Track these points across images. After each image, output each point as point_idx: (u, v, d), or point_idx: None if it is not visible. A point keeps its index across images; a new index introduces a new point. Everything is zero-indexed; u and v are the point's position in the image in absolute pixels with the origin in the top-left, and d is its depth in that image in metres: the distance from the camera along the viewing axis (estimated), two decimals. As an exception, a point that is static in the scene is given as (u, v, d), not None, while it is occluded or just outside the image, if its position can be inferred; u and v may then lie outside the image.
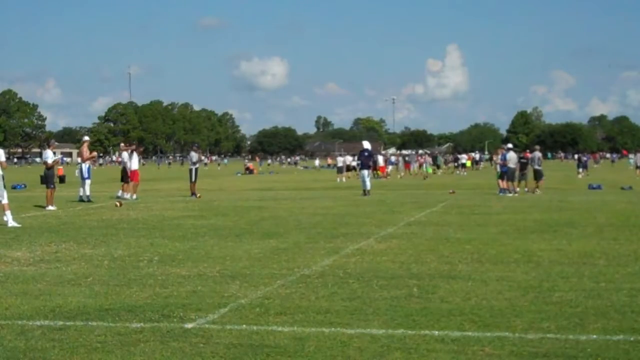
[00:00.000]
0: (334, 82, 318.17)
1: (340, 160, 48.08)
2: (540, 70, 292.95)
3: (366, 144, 27.72)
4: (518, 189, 26.08)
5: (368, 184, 25.89)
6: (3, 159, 15.70)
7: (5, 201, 15.53)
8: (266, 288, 8.13)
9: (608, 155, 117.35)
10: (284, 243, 12.10)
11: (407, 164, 55.34)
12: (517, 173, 26.33)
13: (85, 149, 25.02)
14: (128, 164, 24.91)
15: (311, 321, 6.57)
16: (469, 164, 64.55)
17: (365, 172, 26.28)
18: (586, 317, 6.60)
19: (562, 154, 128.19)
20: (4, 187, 15.58)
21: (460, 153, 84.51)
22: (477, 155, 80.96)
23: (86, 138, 26.85)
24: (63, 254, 11.11)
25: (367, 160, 26.91)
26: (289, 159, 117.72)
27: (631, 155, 69.89)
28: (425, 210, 18.76)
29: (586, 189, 29.21)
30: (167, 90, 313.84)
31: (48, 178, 20.79)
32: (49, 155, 21.17)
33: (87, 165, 24.18)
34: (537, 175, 27.17)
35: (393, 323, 6.46)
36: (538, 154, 28.18)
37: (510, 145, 27.97)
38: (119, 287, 8.34)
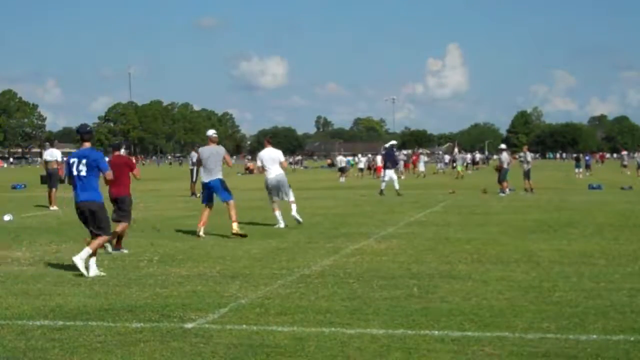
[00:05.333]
0: (334, 82, 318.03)
1: (343, 161, 48.31)
2: (540, 70, 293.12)
3: (391, 143, 27.94)
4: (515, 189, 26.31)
5: (384, 185, 25.84)
6: (283, 159, 14.98)
7: (292, 198, 14.94)
8: (266, 288, 8.14)
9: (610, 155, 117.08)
10: (284, 243, 12.10)
11: (406, 164, 55.21)
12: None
13: None
14: None
15: (311, 321, 6.58)
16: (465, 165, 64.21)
17: (389, 171, 26.24)
18: (586, 317, 6.60)
19: (565, 154, 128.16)
20: (290, 187, 15.01)
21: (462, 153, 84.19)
22: (476, 156, 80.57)
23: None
24: (63, 254, 11.11)
25: (392, 159, 27.15)
26: (290, 159, 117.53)
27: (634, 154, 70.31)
28: (425, 210, 18.75)
29: (586, 189, 29.21)
30: (167, 90, 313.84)
31: (54, 178, 20.61)
32: (58, 154, 21.14)
33: None
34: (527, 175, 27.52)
35: (393, 323, 6.46)
36: (529, 153, 28.88)
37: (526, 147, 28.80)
38: (119, 287, 8.34)
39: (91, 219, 9.32)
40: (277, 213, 14.74)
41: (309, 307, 7.14)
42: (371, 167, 52.26)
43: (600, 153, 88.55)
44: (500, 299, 7.42)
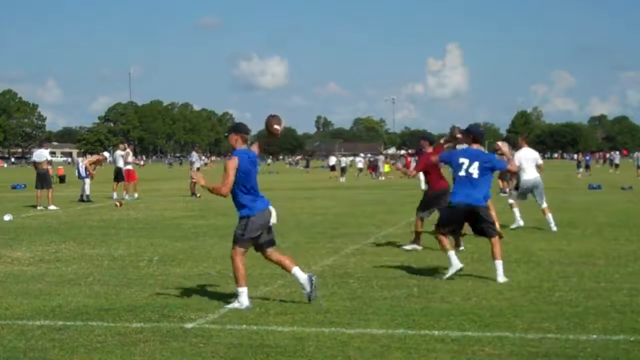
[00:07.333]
0: (334, 82, 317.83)
1: (343, 161, 48.43)
2: (540, 70, 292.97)
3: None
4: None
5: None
6: (541, 161, 14.56)
7: (544, 205, 14.22)
8: (266, 288, 8.13)
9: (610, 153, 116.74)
10: (284, 243, 12.06)
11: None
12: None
13: (87, 162, 25.45)
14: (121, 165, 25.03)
15: (311, 321, 6.57)
16: None
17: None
18: (586, 317, 6.60)
19: (565, 154, 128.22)
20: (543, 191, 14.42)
21: None
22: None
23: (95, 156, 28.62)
24: (63, 254, 11.12)
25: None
26: (289, 159, 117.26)
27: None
28: (425, 210, 18.70)
29: (586, 189, 29.21)
30: (167, 90, 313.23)
31: (45, 178, 20.69)
32: (47, 155, 21.27)
33: (83, 165, 24.50)
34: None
35: (393, 323, 6.46)
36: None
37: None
38: (119, 287, 8.34)
39: (474, 220, 8.99)
40: (516, 210, 14.52)
41: (309, 307, 7.13)
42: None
43: (602, 152, 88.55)
44: (500, 299, 7.42)
